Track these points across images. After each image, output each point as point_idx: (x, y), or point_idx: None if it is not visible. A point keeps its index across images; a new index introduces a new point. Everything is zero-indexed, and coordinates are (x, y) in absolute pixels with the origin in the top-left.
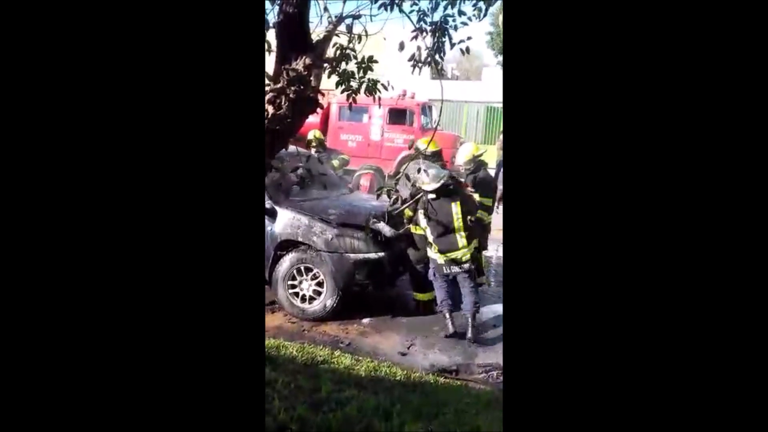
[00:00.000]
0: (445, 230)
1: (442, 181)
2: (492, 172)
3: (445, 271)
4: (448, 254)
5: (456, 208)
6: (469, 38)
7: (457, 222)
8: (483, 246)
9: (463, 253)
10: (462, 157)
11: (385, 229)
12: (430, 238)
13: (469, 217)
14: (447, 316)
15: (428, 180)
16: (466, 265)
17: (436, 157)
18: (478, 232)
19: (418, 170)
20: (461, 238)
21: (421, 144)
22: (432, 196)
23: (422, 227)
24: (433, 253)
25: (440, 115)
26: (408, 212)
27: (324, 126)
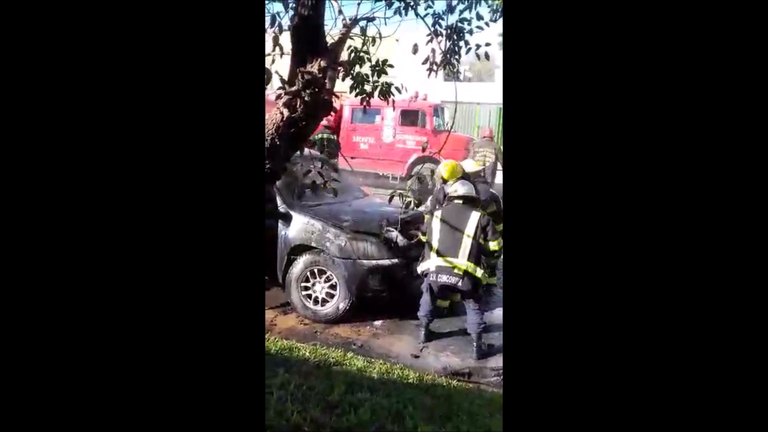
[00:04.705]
0: (453, 232)
1: (470, 194)
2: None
3: (432, 279)
4: (446, 259)
5: (476, 216)
6: (487, 44)
7: (470, 228)
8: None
9: (460, 265)
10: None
11: (399, 238)
12: (433, 241)
13: (483, 235)
14: (423, 327)
15: (461, 190)
16: (455, 279)
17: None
18: (484, 259)
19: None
20: (466, 248)
21: (443, 169)
22: (457, 202)
23: (434, 224)
24: (428, 260)
25: (454, 117)
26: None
27: (336, 128)
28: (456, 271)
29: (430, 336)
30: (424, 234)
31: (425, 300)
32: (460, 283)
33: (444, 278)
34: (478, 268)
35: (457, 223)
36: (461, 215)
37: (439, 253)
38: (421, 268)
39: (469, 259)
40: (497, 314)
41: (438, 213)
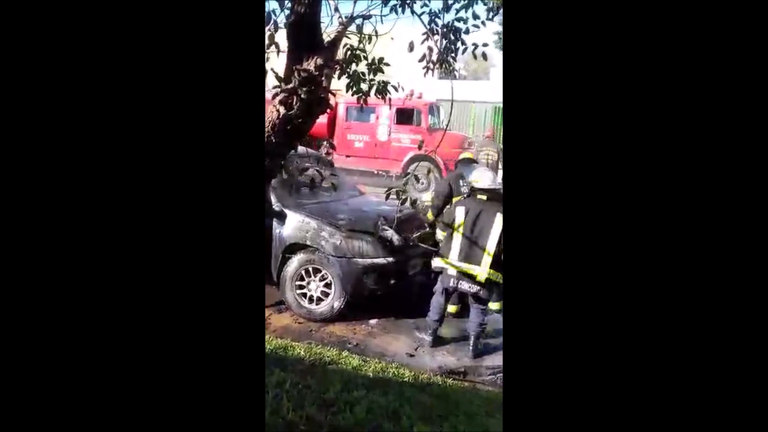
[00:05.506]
0: (477, 238)
1: (496, 187)
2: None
3: (451, 284)
4: (466, 266)
5: (500, 220)
6: (485, 45)
7: (494, 235)
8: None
9: (482, 273)
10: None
11: (394, 237)
12: (454, 243)
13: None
14: (431, 331)
15: (485, 179)
16: (476, 288)
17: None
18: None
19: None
20: (488, 255)
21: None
22: (480, 197)
23: (456, 223)
24: (445, 260)
25: (450, 116)
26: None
27: (331, 127)
28: (478, 279)
29: (438, 341)
30: (425, 237)
31: (438, 302)
32: (481, 292)
33: (465, 286)
34: (500, 275)
35: (481, 228)
36: (485, 219)
37: (459, 258)
38: (435, 265)
39: (491, 266)
40: (497, 317)
41: (460, 213)
